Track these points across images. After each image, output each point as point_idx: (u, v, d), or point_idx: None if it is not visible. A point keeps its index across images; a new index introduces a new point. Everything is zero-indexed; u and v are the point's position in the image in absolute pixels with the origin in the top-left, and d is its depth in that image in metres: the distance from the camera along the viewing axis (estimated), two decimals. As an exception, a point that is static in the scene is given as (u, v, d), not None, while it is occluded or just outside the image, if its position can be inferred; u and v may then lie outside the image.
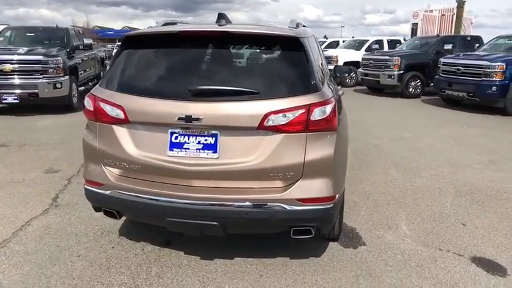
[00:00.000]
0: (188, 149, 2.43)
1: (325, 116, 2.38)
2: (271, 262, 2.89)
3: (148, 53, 2.74)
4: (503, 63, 8.89)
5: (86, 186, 2.76)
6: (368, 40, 16.46)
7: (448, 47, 11.63)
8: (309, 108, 2.34)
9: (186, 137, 2.44)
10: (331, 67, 4.54)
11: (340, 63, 14.07)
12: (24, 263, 2.84)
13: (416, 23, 24.94)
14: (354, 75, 14.34)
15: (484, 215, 3.77)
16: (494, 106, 9.33)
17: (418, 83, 12.21)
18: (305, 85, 2.43)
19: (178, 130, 2.44)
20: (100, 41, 19.41)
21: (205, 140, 2.42)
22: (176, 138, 2.45)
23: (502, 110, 9.20)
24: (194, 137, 2.43)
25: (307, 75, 2.46)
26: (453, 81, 9.85)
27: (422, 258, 2.99)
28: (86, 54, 10.40)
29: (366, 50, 15.33)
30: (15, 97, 8.00)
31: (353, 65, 13.99)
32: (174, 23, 3.20)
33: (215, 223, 2.42)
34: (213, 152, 2.41)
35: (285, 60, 2.58)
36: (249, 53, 2.75)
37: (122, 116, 2.50)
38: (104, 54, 13.59)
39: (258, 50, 2.68)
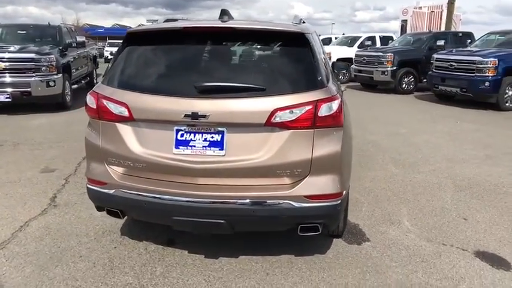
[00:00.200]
0: (194, 146, 2.40)
1: (332, 112, 2.37)
2: (277, 260, 2.87)
3: (152, 49, 2.70)
4: (495, 59, 8.99)
5: (88, 186, 2.71)
6: (360, 37, 16.51)
7: (441, 43, 11.72)
8: (316, 104, 2.32)
9: (192, 135, 2.40)
10: None
11: (333, 59, 14.09)
12: (25, 264, 2.78)
13: (406, 20, 25.14)
14: (346, 71, 14.37)
15: (485, 209, 3.80)
16: (487, 101, 9.43)
17: (411, 79, 12.30)
18: (312, 81, 2.42)
19: (184, 127, 2.40)
20: (90, 39, 19.18)
21: (212, 137, 2.39)
22: (182, 135, 2.41)
23: (495, 105, 9.31)
24: (200, 134, 2.40)
25: (314, 71, 2.45)
26: (446, 76, 9.94)
27: (427, 254, 3.00)
28: (78, 52, 10.26)
29: (359, 47, 15.39)
30: (8, 96, 7.85)
31: (346, 61, 14.01)
32: (175, 20, 3.15)
33: (222, 221, 2.40)
34: (219, 149, 2.38)
35: (291, 56, 2.56)
36: (255, 49, 2.72)
37: (126, 113, 2.45)
38: (96, 52, 13.41)
39: (263, 46, 2.65)
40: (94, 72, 12.48)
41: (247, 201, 2.38)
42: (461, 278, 2.71)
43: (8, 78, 7.86)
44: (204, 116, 2.31)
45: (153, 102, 2.41)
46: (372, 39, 16.06)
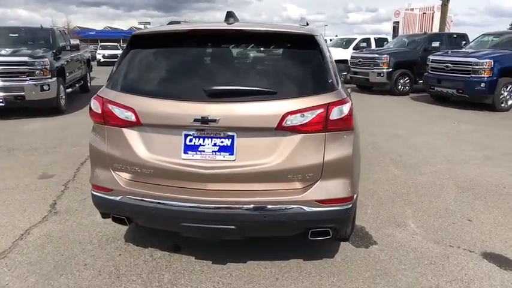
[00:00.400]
0: (203, 151, 2.36)
1: (343, 116, 2.34)
2: (286, 265, 2.84)
3: (158, 52, 2.65)
4: (491, 60, 9.06)
5: (93, 192, 2.65)
6: (355, 38, 16.57)
7: (436, 44, 11.78)
8: (327, 107, 2.30)
9: (201, 139, 2.36)
10: None
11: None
12: (28, 273, 2.71)
13: (398, 22, 25.37)
14: (347, 73, 14.41)
15: (488, 210, 3.80)
16: (483, 102, 9.50)
17: (406, 80, 12.35)
18: (322, 84, 2.39)
19: (193, 132, 2.36)
20: (83, 42, 19.02)
21: (222, 142, 2.35)
22: (191, 140, 2.37)
23: (491, 106, 9.38)
24: (210, 139, 2.36)
25: (324, 73, 2.42)
26: (442, 78, 9.99)
27: (435, 256, 2.99)
28: (72, 55, 10.13)
29: (354, 49, 15.43)
30: (1, 100, 7.70)
31: (341, 63, 14.05)
32: (177, 22, 3.11)
33: (233, 227, 2.36)
34: (229, 154, 2.34)
35: (301, 58, 2.52)
36: (264, 52, 2.69)
37: (132, 118, 2.40)
38: (89, 55, 13.28)
39: (272, 49, 2.62)
40: (88, 75, 12.35)
41: (258, 206, 2.34)
42: (471, 279, 2.70)
43: (0, 83, 7.73)
44: (213, 121, 2.27)
45: (161, 106, 2.37)
46: (367, 41, 16.13)
